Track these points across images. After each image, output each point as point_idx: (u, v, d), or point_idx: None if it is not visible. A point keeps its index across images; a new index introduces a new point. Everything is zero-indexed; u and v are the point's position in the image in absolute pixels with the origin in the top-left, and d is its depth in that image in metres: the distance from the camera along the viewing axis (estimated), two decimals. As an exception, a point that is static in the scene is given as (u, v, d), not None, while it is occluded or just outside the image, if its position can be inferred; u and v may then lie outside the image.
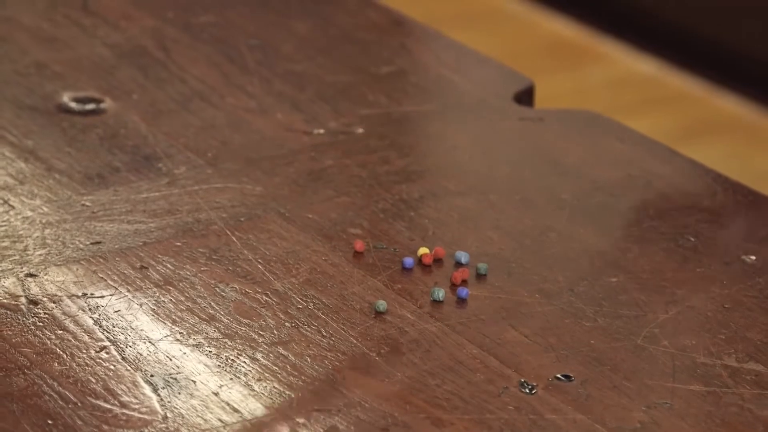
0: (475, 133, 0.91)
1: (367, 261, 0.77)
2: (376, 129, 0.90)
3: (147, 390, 0.68)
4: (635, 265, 0.78)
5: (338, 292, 0.75)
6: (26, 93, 0.92)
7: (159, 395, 0.68)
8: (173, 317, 0.73)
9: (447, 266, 0.77)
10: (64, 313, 0.73)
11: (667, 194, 0.85)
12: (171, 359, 0.70)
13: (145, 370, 0.69)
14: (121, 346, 0.71)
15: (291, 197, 0.83)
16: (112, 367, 0.69)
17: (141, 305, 0.74)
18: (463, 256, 0.77)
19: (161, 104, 0.91)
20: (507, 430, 0.67)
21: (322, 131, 0.90)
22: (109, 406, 0.67)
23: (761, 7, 1.65)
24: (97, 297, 0.74)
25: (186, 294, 0.75)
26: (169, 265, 0.77)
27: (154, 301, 0.74)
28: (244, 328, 0.72)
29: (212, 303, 0.74)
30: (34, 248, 0.78)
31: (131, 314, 0.73)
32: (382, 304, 0.74)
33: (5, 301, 0.73)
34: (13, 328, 0.72)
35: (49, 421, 0.66)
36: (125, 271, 0.76)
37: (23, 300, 0.74)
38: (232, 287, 0.75)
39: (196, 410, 0.67)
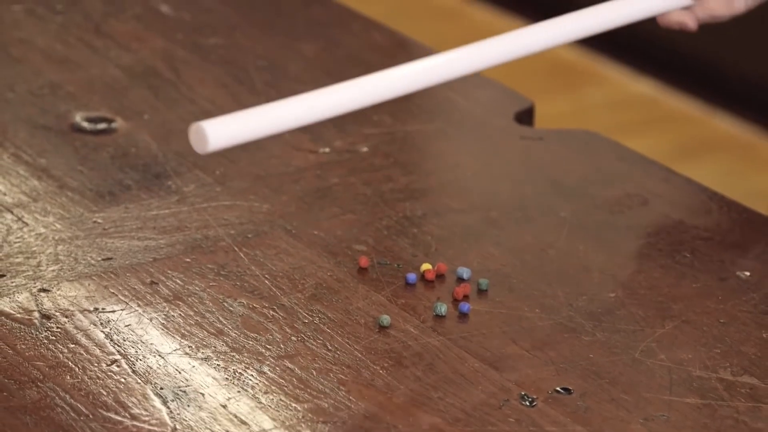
0: (477, 151, 0.92)
1: (372, 276, 0.79)
2: (380, 148, 0.91)
3: (157, 402, 0.69)
4: (633, 281, 0.79)
5: (343, 306, 0.76)
6: (40, 113, 0.93)
7: (168, 407, 0.69)
8: (182, 331, 0.74)
9: (449, 282, 0.78)
10: (76, 328, 0.74)
11: (664, 212, 0.86)
12: (180, 372, 0.71)
13: (155, 383, 0.70)
14: (132, 359, 0.72)
15: (297, 214, 0.84)
16: (122, 380, 0.70)
17: (151, 320, 0.75)
18: (464, 272, 0.78)
19: (171, 124, 0.93)
20: (507, 441, 0.68)
21: (327, 150, 0.91)
22: (120, 418, 0.68)
23: (755, 30, 1.66)
24: (109, 311, 0.75)
25: (195, 309, 0.76)
26: (178, 281, 0.78)
27: (163, 316, 0.75)
28: (251, 342, 0.74)
29: (220, 317, 0.75)
30: (47, 264, 0.79)
31: (141, 328, 0.74)
32: (385, 319, 0.75)
33: (19, 315, 0.75)
34: (26, 341, 0.73)
35: (62, 432, 0.67)
36: (136, 287, 0.77)
37: (36, 314, 0.75)
38: (240, 302, 0.77)
39: (205, 422, 0.68)
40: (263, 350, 0.73)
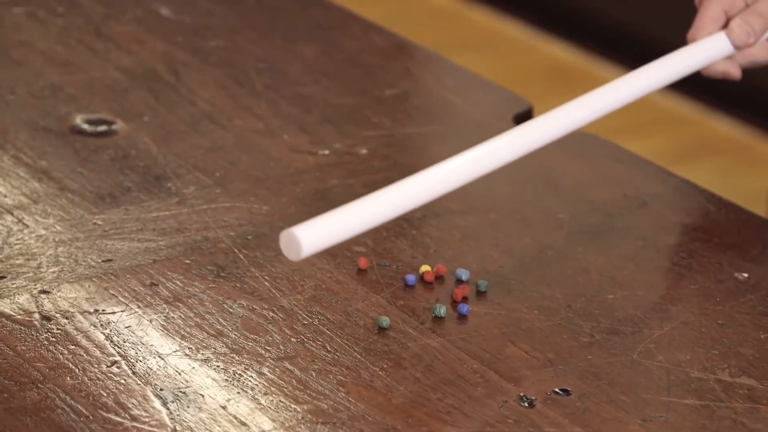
0: (476, 154, 0.92)
1: (371, 278, 0.79)
2: (379, 150, 0.92)
3: (157, 404, 0.69)
4: (631, 282, 0.80)
5: (342, 308, 0.77)
6: (40, 115, 0.93)
7: (168, 409, 0.69)
8: (182, 333, 0.74)
9: (448, 283, 0.79)
10: (76, 329, 0.74)
11: (662, 213, 0.87)
12: (180, 374, 0.71)
13: (155, 384, 0.70)
14: (132, 360, 0.72)
15: (297, 216, 0.84)
16: (122, 381, 0.71)
17: (151, 321, 0.75)
18: (463, 274, 0.78)
19: (171, 126, 0.93)
20: (506, 442, 0.68)
21: (327, 152, 0.91)
22: (120, 420, 0.68)
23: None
24: (109, 313, 0.76)
25: (195, 310, 0.76)
26: (178, 282, 0.78)
27: (163, 317, 0.75)
28: (251, 344, 0.74)
29: (220, 319, 0.76)
30: (48, 266, 0.79)
31: (141, 330, 0.74)
32: (385, 320, 0.75)
33: (19, 317, 0.75)
34: (27, 343, 0.73)
35: (63, 433, 0.67)
36: (136, 288, 0.78)
37: (37, 316, 0.75)
38: (240, 303, 0.77)
39: (205, 423, 0.68)
40: (263, 351, 0.73)
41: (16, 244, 0.81)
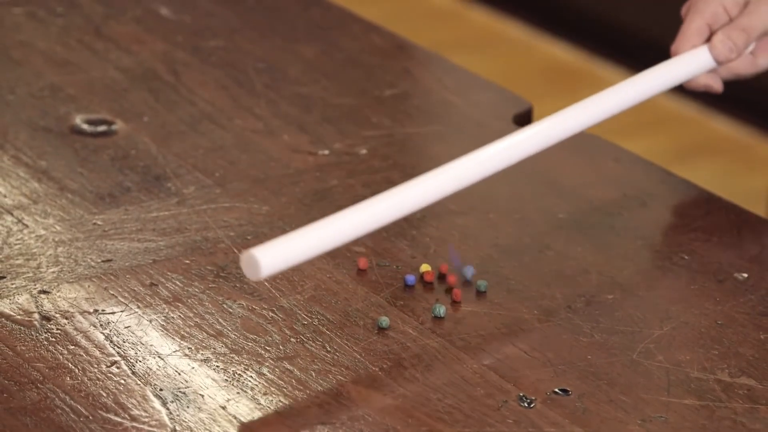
0: (476, 154, 0.92)
1: (371, 278, 0.79)
2: (379, 150, 0.92)
3: (156, 404, 0.69)
4: (631, 282, 0.80)
5: (342, 308, 0.77)
6: (40, 115, 0.93)
7: (168, 409, 0.69)
8: (182, 333, 0.74)
9: (448, 283, 0.79)
10: (76, 329, 0.74)
11: (662, 213, 0.87)
12: (180, 374, 0.71)
13: (155, 385, 0.71)
14: (132, 360, 0.72)
15: (297, 216, 0.84)
16: (122, 381, 0.71)
17: (151, 321, 0.75)
18: (469, 270, 0.78)
19: (171, 126, 0.93)
20: (506, 442, 0.68)
21: (327, 152, 0.91)
22: (119, 420, 0.68)
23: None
24: (108, 313, 0.76)
25: (194, 310, 0.76)
26: (178, 282, 0.78)
27: (163, 317, 0.75)
28: (250, 344, 0.74)
29: (220, 319, 0.76)
30: (47, 266, 0.79)
31: (141, 330, 0.74)
32: (384, 321, 0.76)
33: (19, 317, 0.75)
34: (26, 343, 0.73)
35: (62, 433, 0.67)
36: (135, 288, 0.78)
37: (36, 316, 0.75)
38: (239, 304, 0.77)
39: (204, 423, 0.69)
40: (262, 352, 0.73)
41: (15, 244, 0.81)
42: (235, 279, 0.78)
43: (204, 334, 0.74)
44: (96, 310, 0.76)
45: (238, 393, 0.70)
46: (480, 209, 0.85)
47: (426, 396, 0.70)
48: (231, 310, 0.76)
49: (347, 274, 0.79)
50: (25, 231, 0.82)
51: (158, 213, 0.84)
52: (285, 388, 0.71)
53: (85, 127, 0.92)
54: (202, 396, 0.70)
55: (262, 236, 0.82)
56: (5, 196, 0.85)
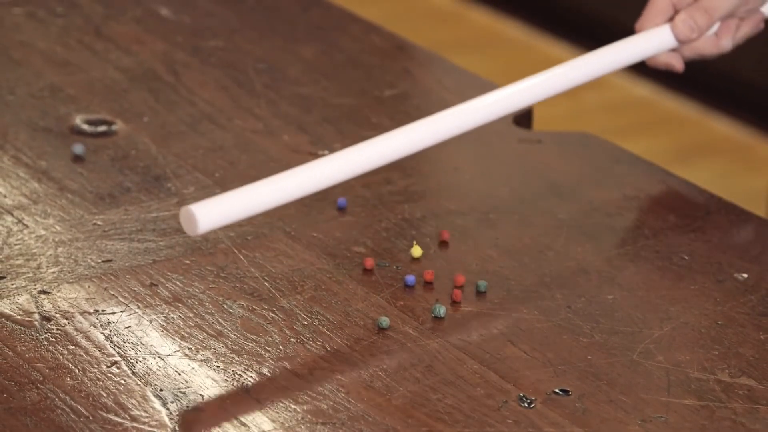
0: (476, 154, 0.92)
1: (371, 278, 0.79)
2: (379, 150, 0.92)
3: (156, 404, 0.69)
4: (631, 282, 0.80)
5: (342, 308, 0.77)
6: (40, 115, 0.93)
7: (168, 409, 0.69)
8: (182, 333, 0.75)
9: (448, 284, 0.79)
10: (76, 329, 0.74)
11: (662, 214, 0.87)
12: (180, 374, 0.71)
13: (155, 385, 0.71)
14: (132, 361, 0.72)
15: (297, 216, 0.84)
16: (122, 381, 0.71)
17: (151, 321, 0.75)
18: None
19: (171, 126, 0.93)
20: (506, 442, 0.68)
21: (327, 152, 0.91)
22: (119, 420, 0.68)
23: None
24: (108, 313, 0.76)
25: (194, 310, 0.76)
26: (178, 283, 0.78)
27: (163, 318, 0.76)
28: (250, 344, 0.74)
29: (220, 319, 0.76)
30: (47, 266, 0.79)
31: (141, 330, 0.74)
32: (385, 321, 0.76)
33: (19, 317, 0.75)
34: (26, 343, 0.73)
35: (62, 434, 0.67)
36: (135, 288, 0.78)
37: (36, 316, 0.75)
38: (239, 304, 0.77)
39: (204, 423, 0.68)
40: (263, 352, 0.73)
41: (15, 245, 0.81)
42: (235, 279, 0.79)
43: (204, 334, 0.74)
44: (96, 311, 0.76)
45: (238, 393, 0.70)
46: (480, 210, 0.85)
47: (426, 396, 0.70)
48: (231, 311, 0.76)
49: (347, 275, 0.79)
50: (25, 231, 0.82)
51: (158, 213, 0.84)
52: (285, 388, 0.71)
53: (85, 127, 0.92)
54: (202, 396, 0.70)
55: (261, 236, 0.82)
56: (5, 197, 0.85)
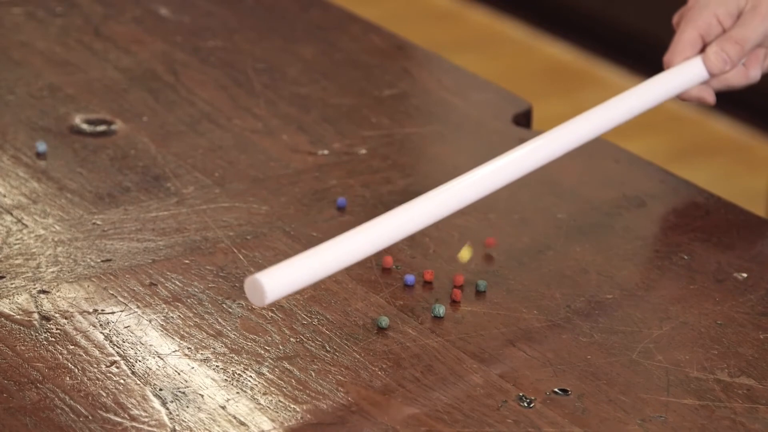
0: (475, 154, 0.92)
1: (370, 278, 0.79)
2: (378, 150, 0.92)
3: (156, 404, 0.69)
4: (630, 282, 0.80)
5: (342, 308, 0.77)
6: (40, 115, 0.94)
7: (168, 409, 0.69)
8: (181, 333, 0.75)
9: (447, 284, 0.79)
10: (75, 329, 0.74)
11: (661, 213, 0.87)
12: (179, 374, 0.72)
13: (154, 384, 0.71)
14: (131, 360, 0.72)
15: (296, 216, 0.84)
16: (122, 381, 0.71)
17: (150, 321, 0.75)
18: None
19: (170, 126, 0.93)
20: (505, 442, 0.68)
21: (326, 152, 0.91)
22: (119, 420, 0.68)
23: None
24: (108, 313, 0.76)
25: (194, 310, 0.76)
26: (177, 282, 0.78)
27: (163, 317, 0.76)
28: (250, 344, 0.74)
29: (219, 319, 0.76)
30: (47, 266, 0.79)
31: (141, 330, 0.75)
32: (384, 320, 0.76)
33: (18, 317, 0.75)
34: (26, 343, 0.73)
35: (62, 433, 0.67)
36: (135, 288, 0.78)
37: (36, 316, 0.75)
38: (239, 303, 0.77)
39: (204, 423, 0.69)
40: (262, 351, 0.73)
41: (15, 244, 0.81)
42: (235, 279, 0.79)
43: (203, 334, 0.74)
44: (95, 310, 0.76)
45: (237, 393, 0.70)
46: (479, 209, 0.85)
47: (426, 396, 0.70)
48: (230, 310, 0.76)
49: (347, 274, 0.79)
50: (25, 231, 0.82)
51: (158, 213, 0.84)
52: (285, 387, 0.71)
53: (85, 127, 0.92)
54: (202, 396, 0.70)
55: (261, 236, 0.82)
56: (5, 196, 0.85)
